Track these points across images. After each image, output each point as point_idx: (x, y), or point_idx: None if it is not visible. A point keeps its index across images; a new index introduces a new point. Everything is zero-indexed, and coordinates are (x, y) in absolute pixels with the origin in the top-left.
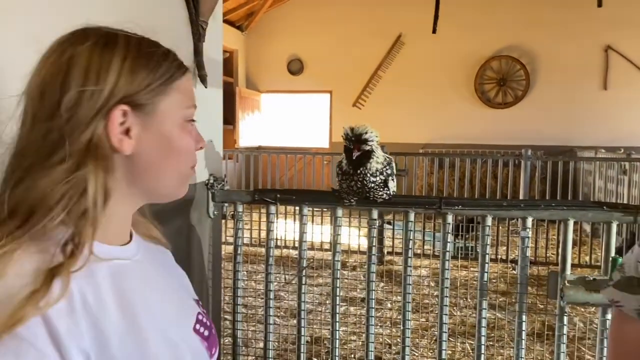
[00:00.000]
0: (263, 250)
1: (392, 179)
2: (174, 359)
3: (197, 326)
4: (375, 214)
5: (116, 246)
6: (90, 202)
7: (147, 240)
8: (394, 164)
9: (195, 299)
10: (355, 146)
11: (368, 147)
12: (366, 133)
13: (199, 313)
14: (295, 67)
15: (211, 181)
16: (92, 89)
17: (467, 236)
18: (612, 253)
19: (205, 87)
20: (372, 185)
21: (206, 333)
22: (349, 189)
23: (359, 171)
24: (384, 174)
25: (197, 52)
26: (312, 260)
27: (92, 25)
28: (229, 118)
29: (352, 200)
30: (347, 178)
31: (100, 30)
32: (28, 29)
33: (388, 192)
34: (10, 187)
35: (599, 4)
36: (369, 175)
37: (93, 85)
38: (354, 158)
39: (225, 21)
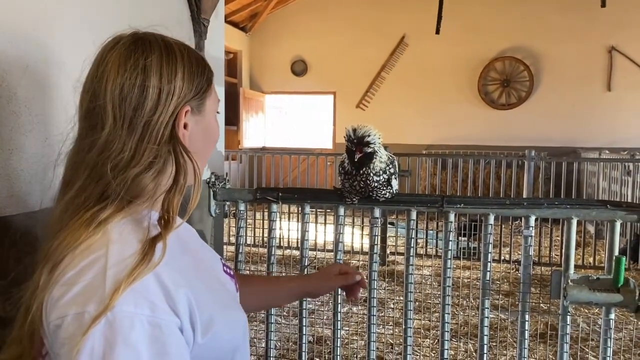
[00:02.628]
0: (266, 250)
1: (395, 178)
2: (229, 297)
3: (225, 268)
4: (377, 212)
5: None
6: (179, 187)
7: None
8: (396, 163)
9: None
10: (357, 148)
11: (370, 150)
12: (369, 136)
13: (220, 258)
14: (299, 68)
15: (213, 179)
16: (166, 93)
17: (471, 237)
18: (616, 252)
19: None
20: (375, 184)
21: (231, 272)
22: (352, 188)
23: (361, 171)
24: (387, 172)
25: (199, 50)
26: (314, 258)
27: (139, 30)
28: (233, 119)
29: (355, 200)
30: (349, 178)
31: (156, 38)
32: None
33: (391, 190)
34: (96, 179)
35: (603, 5)
36: (372, 174)
37: (167, 90)
38: (355, 160)
39: (229, 22)
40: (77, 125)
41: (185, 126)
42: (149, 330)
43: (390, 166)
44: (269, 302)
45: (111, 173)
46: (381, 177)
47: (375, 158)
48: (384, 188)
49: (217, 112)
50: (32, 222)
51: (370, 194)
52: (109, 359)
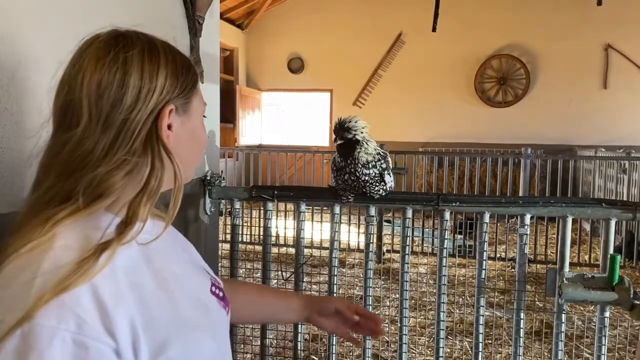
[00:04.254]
0: (261, 248)
1: (389, 174)
2: (206, 319)
3: (213, 288)
4: (372, 210)
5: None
6: (149, 190)
7: (153, 218)
8: (389, 159)
9: (204, 267)
10: (338, 134)
11: (351, 135)
12: (349, 122)
13: (211, 278)
14: (296, 65)
15: (208, 177)
16: (147, 90)
17: (467, 236)
18: (611, 250)
19: (202, 83)
20: (367, 178)
21: (220, 294)
22: (344, 184)
23: (349, 161)
24: (378, 167)
25: (194, 48)
26: (310, 255)
27: (117, 27)
28: (230, 116)
29: (350, 197)
30: (341, 173)
31: (137, 34)
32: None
33: (384, 187)
34: (66, 178)
35: (599, 3)
36: (360, 166)
37: (148, 87)
38: (336, 145)
39: (225, 19)
40: (52, 122)
41: (169, 127)
42: (71, 349)
43: (382, 161)
44: (262, 316)
45: (80, 172)
46: (371, 171)
47: (360, 148)
48: (377, 184)
49: (204, 117)
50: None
51: (364, 190)
52: None
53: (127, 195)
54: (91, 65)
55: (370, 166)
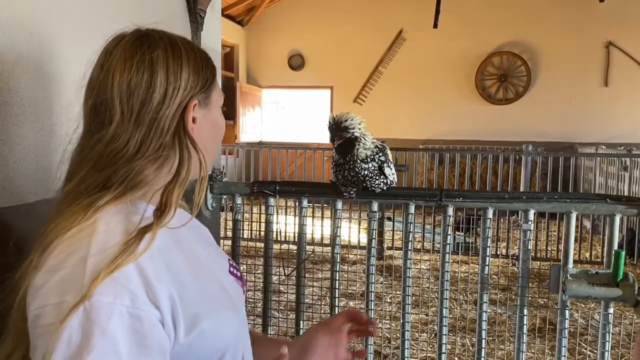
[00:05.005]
0: (262, 244)
1: (389, 166)
2: (226, 297)
3: (231, 269)
4: (375, 206)
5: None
6: (180, 180)
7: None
8: (388, 151)
9: (219, 248)
10: (337, 135)
11: (349, 134)
12: (346, 121)
13: (228, 259)
14: (297, 62)
15: (209, 172)
16: (172, 88)
17: (467, 233)
18: (615, 246)
19: None
20: (366, 172)
21: (238, 274)
22: (345, 179)
23: (347, 158)
24: (377, 160)
25: (195, 42)
26: (312, 252)
27: (142, 27)
28: (230, 113)
29: (352, 192)
30: (340, 169)
31: (159, 34)
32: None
33: (385, 180)
34: (100, 170)
35: (601, 0)
36: (358, 161)
37: (173, 85)
38: (335, 146)
39: (226, 16)
40: (83, 122)
41: (194, 120)
42: (128, 321)
43: (380, 154)
44: None
45: (114, 165)
46: (370, 165)
47: (359, 144)
48: (377, 177)
49: (223, 108)
50: (27, 214)
51: (365, 184)
52: (86, 350)
53: (158, 184)
54: (119, 66)
55: (369, 160)
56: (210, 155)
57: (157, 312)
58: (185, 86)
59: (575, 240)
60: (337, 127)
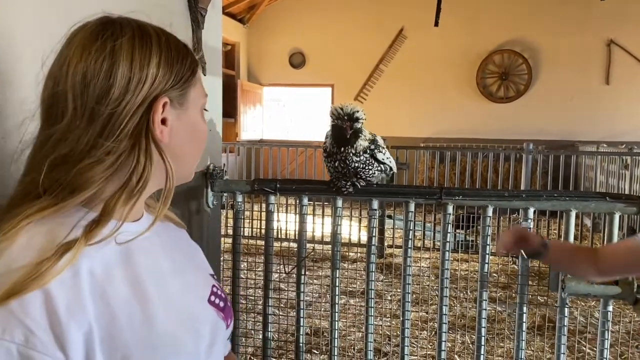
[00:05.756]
0: (263, 242)
1: (380, 151)
2: (188, 329)
3: (212, 298)
4: (375, 204)
5: (129, 222)
6: (129, 187)
7: (149, 212)
8: (378, 138)
9: (210, 274)
10: (347, 124)
11: (359, 125)
12: (358, 112)
13: (213, 285)
14: (297, 60)
15: (210, 170)
16: (137, 80)
17: (467, 231)
18: None
19: (204, 75)
20: (357, 164)
21: (221, 304)
22: (335, 170)
23: (342, 149)
24: (368, 150)
25: (197, 40)
26: (312, 249)
27: (112, 14)
28: (231, 111)
29: (349, 188)
30: (332, 159)
31: (129, 21)
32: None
33: (380, 166)
34: (46, 172)
35: None
36: (351, 155)
37: (137, 77)
38: (347, 137)
39: (226, 14)
40: (40, 117)
41: (163, 121)
42: None
43: (372, 145)
44: None
45: (62, 166)
46: (362, 157)
47: (361, 135)
48: (371, 166)
49: (205, 110)
50: None
51: (358, 176)
52: None
53: (109, 191)
54: (77, 54)
55: (361, 153)
56: (187, 162)
57: (60, 355)
58: (153, 80)
59: (576, 239)
60: (350, 118)
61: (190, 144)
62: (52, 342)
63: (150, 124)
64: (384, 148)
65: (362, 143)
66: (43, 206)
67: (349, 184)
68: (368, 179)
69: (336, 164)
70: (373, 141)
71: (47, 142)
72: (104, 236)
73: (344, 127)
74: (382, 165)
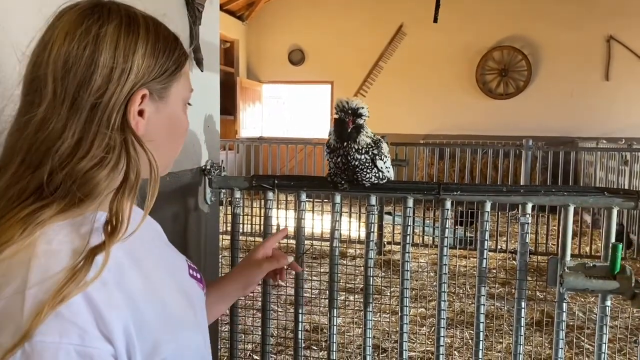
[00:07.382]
0: (261, 239)
1: (381, 159)
2: (189, 305)
3: (190, 271)
4: (373, 199)
5: None
6: (129, 184)
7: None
8: (383, 144)
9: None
10: (350, 119)
11: (362, 121)
12: (362, 108)
13: (186, 259)
14: (297, 57)
15: (208, 167)
16: (120, 71)
17: (467, 227)
18: (613, 239)
19: (202, 71)
20: (357, 163)
21: (198, 275)
22: (336, 166)
23: (345, 144)
24: (370, 153)
25: (193, 35)
26: (311, 246)
27: None
28: (230, 108)
29: (345, 184)
30: (334, 155)
31: (118, 7)
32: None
33: (377, 174)
34: (34, 167)
35: None
36: (353, 151)
37: (122, 67)
38: (349, 132)
39: (225, 11)
40: (20, 101)
41: (140, 113)
42: None
43: (374, 147)
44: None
45: (53, 162)
46: (363, 157)
47: (362, 132)
48: (368, 171)
49: (189, 104)
50: None
51: (355, 176)
52: None
53: (111, 188)
54: (60, 38)
55: (364, 151)
56: (164, 155)
57: (109, 347)
58: (138, 71)
59: (576, 235)
60: (353, 113)
61: (167, 138)
62: (102, 337)
63: (127, 115)
64: (386, 157)
65: (364, 139)
66: (54, 213)
67: (344, 180)
68: (363, 181)
69: (338, 160)
70: (377, 144)
71: (25, 128)
72: (122, 236)
73: (346, 121)
74: (379, 173)
